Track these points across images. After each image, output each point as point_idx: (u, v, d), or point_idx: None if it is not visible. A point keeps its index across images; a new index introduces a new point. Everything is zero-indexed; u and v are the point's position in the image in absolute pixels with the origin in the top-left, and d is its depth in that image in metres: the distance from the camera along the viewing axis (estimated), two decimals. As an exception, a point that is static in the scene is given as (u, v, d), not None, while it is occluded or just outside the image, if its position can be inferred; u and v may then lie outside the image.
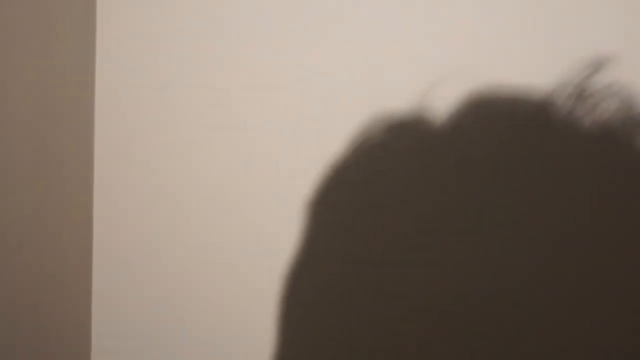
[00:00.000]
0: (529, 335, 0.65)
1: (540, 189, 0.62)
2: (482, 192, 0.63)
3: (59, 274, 0.69)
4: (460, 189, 0.64)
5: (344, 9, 0.67)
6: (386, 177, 0.65)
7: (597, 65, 0.60)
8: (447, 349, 0.66)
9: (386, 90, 0.66)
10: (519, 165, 0.62)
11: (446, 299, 0.64)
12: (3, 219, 0.62)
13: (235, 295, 0.71)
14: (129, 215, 0.73)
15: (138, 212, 0.73)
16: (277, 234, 0.70)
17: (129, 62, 0.73)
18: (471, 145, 0.63)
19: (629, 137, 0.59)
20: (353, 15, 0.67)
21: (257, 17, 0.70)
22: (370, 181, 0.65)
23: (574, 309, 0.63)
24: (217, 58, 0.71)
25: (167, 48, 0.72)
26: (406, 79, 0.66)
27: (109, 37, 0.73)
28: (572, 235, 0.62)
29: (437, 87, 0.64)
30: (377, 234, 0.66)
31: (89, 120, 0.73)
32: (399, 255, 0.65)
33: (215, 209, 0.71)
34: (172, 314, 0.73)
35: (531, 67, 0.63)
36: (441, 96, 0.64)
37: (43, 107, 0.66)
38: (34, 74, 0.65)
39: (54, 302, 0.69)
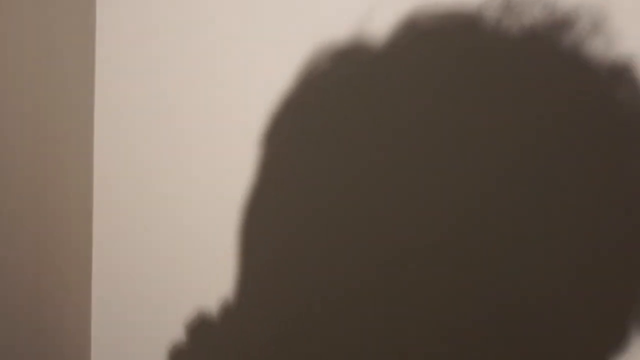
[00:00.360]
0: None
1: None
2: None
3: (59, 275, 0.69)
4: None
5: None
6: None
7: None
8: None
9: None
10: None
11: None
12: (3, 219, 0.62)
13: (235, 296, 0.71)
14: (129, 216, 0.73)
15: (138, 212, 0.73)
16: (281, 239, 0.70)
17: (129, 62, 0.73)
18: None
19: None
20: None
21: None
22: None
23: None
24: (217, 57, 0.71)
25: (167, 48, 0.72)
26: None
27: (109, 37, 0.73)
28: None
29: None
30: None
31: (89, 120, 0.73)
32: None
33: (215, 209, 0.71)
34: (172, 314, 0.73)
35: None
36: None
37: (43, 106, 0.66)
38: (34, 73, 0.65)
39: (54, 303, 0.69)
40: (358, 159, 0.67)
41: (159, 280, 0.73)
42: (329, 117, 0.68)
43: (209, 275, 0.72)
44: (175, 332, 0.72)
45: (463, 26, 0.65)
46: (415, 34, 0.66)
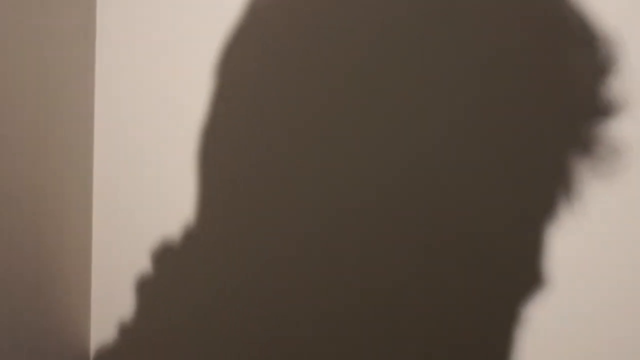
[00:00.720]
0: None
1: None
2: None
3: (59, 275, 0.69)
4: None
5: None
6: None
7: None
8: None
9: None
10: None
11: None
12: (3, 219, 0.62)
13: (233, 295, 0.71)
14: (128, 215, 0.73)
15: (138, 212, 0.73)
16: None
17: (129, 62, 0.73)
18: None
19: None
20: None
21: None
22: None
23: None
24: (216, 57, 0.71)
25: (168, 48, 0.72)
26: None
27: (109, 37, 0.73)
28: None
29: None
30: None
31: (89, 121, 0.73)
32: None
33: (213, 208, 0.71)
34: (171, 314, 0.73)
35: None
36: None
37: (43, 107, 0.66)
38: (34, 74, 0.65)
39: (54, 303, 0.69)
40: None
41: (159, 281, 0.73)
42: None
43: (210, 276, 0.72)
44: (174, 331, 0.72)
45: None
46: None
